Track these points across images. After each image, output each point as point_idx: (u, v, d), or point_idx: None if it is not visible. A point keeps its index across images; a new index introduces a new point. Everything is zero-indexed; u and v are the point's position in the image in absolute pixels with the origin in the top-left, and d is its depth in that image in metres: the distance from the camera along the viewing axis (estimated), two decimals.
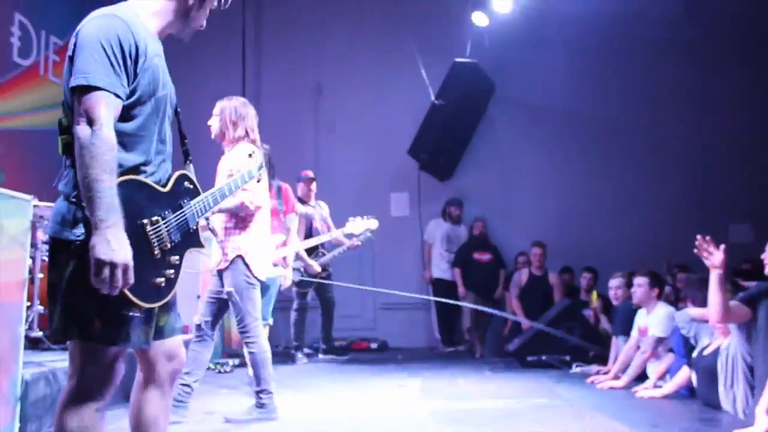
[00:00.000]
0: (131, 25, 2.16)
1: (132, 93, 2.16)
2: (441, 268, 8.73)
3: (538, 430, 3.90)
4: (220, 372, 6.56)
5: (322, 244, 7.07)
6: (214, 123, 4.53)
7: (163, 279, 2.16)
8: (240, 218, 4.29)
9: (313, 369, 7.04)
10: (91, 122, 2.02)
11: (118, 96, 2.09)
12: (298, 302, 7.45)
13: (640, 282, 5.56)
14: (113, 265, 1.97)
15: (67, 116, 2.15)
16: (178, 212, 2.27)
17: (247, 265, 4.21)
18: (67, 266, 2.08)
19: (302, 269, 6.79)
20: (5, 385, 3.57)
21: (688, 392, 4.93)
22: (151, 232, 2.14)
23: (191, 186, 2.38)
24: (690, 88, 9.12)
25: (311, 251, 6.96)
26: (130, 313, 2.08)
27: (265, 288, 5.11)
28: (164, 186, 2.25)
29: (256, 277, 4.27)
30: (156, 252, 2.15)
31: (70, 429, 2.07)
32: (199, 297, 6.61)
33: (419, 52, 8.86)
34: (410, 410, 4.62)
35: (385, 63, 9.57)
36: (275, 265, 5.37)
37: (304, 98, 9.85)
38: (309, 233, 7.18)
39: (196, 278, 6.62)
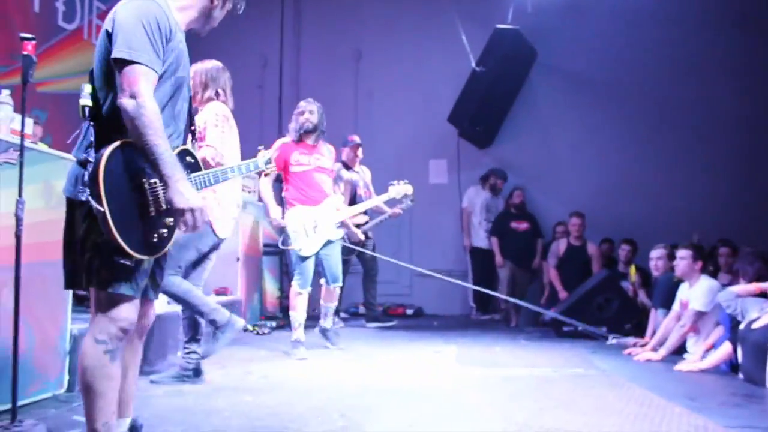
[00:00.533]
0: (164, 8, 2.44)
1: (161, 67, 2.40)
2: (479, 236, 8.74)
3: (572, 398, 3.90)
4: (258, 334, 6.68)
5: (365, 212, 7.07)
6: None
7: (156, 236, 2.39)
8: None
9: (350, 333, 7.12)
10: (134, 95, 2.27)
11: (155, 71, 2.34)
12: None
13: (683, 255, 5.48)
14: (192, 210, 2.34)
15: (92, 83, 2.40)
16: None
17: (209, 223, 4.19)
18: (83, 223, 2.33)
19: (346, 236, 6.79)
20: (55, 338, 3.71)
21: (728, 368, 4.87)
22: (149, 192, 2.35)
23: (192, 160, 2.62)
24: (738, 58, 8.89)
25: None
26: (122, 261, 2.30)
27: (327, 251, 5.60)
28: None
29: (214, 233, 4.24)
30: (151, 210, 2.36)
31: (84, 367, 2.33)
32: (238, 260, 6.73)
33: (460, 18, 8.76)
34: (446, 376, 4.66)
35: (425, 29, 9.49)
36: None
37: (344, 65, 9.83)
38: (353, 200, 7.17)
39: (236, 240, 6.72)
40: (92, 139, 2.34)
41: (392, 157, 9.41)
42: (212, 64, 4.60)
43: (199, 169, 2.64)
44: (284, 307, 8.06)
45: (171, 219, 2.42)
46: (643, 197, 8.93)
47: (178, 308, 5.28)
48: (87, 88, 2.40)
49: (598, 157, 9.22)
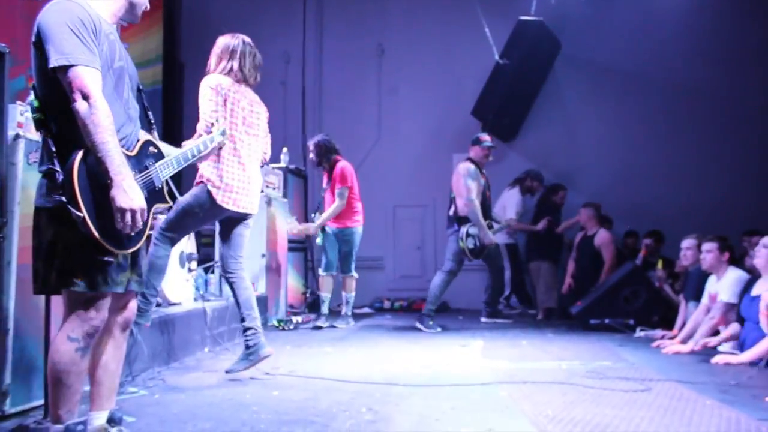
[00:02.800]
0: (84, 6, 2.46)
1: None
2: (509, 233, 8.61)
3: (601, 391, 3.87)
4: (283, 329, 6.71)
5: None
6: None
7: (133, 231, 2.46)
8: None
9: (376, 327, 7.13)
10: (86, 97, 2.32)
11: (96, 69, 2.39)
12: (452, 266, 7.10)
13: (710, 247, 5.42)
14: (132, 211, 2.38)
15: (38, 98, 2.45)
16: (144, 173, 2.61)
17: (209, 192, 4.15)
18: (49, 228, 2.43)
19: (478, 238, 6.87)
20: None
21: (766, 363, 4.77)
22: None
23: (155, 150, 2.70)
24: (767, 46, 8.75)
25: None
26: (105, 258, 2.41)
27: (349, 244, 7.01)
28: (131, 150, 2.57)
29: (218, 205, 4.16)
30: None
31: (55, 362, 2.43)
32: (264, 255, 6.76)
33: (483, 11, 8.71)
34: (473, 370, 4.65)
35: (448, 22, 9.45)
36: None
37: (367, 59, 9.83)
38: (483, 202, 7.10)
39: (261, 237, 6.75)
40: (53, 149, 2.41)
41: (416, 152, 9.41)
42: (232, 37, 4.51)
43: (162, 158, 2.72)
44: (309, 303, 8.11)
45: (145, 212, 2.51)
46: (670, 189, 8.85)
47: (203, 305, 5.35)
48: (34, 102, 2.45)
49: (623, 149, 9.14)
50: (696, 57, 8.97)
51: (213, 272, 6.07)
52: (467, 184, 6.92)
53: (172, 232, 4.24)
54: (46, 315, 3.07)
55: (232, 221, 4.39)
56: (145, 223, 2.54)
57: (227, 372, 4.28)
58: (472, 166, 7.05)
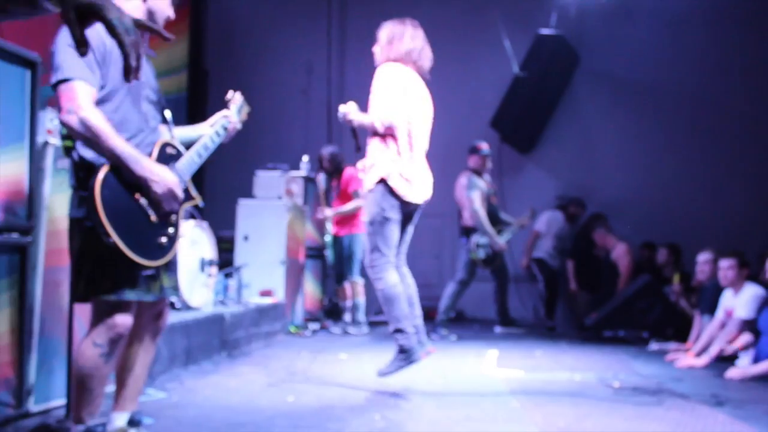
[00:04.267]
0: (94, 25, 2.42)
1: (106, 80, 2.49)
2: (545, 254, 8.53)
3: (613, 404, 3.90)
4: (300, 336, 6.78)
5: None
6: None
7: (165, 238, 2.57)
8: (382, 137, 4.09)
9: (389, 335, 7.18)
10: (74, 110, 2.36)
11: (91, 85, 2.42)
12: (464, 276, 7.15)
13: (731, 263, 5.39)
14: (170, 187, 2.51)
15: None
16: None
17: (390, 188, 3.97)
18: (78, 238, 2.51)
19: (489, 247, 6.96)
20: None
21: None
22: (145, 204, 2.51)
23: (174, 151, 2.73)
24: None
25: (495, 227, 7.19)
26: (143, 273, 2.50)
27: (354, 250, 7.06)
28: (149, 156, 2.58)
29: (404, 202, 3.99)
30: (152, 216, 2.52)
31: (80, 366, 2.51)
32: (283, 262, 6.84)
33: (503, 23, 8.76)
34: (486, 379, 4.69)
35: (468, 35, 9.50)
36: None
37: None
38: (489, 208, 7.20)
39: (280, 244, 6.84)
40: (80, 174, 2.51)
41: (434, 162, 9.38)
42: (398, 23, 4.34)
43: (181, 156, 2.75)
44: (326, 310, 8.17)
45: (174, 216, 2.61)
46: (689, 203, 8.81)
47: (222, 309, 5.44)
48: (63, 129, 2.54)
49: (641, 163, 9.13)
50: (715, 70, 8.96)
51: (232, 278, 6.16)
52: (469, 195, 7.03)
53: (381, 252, 3.99)
54: (70, 316, 3.16)
55: (408, 216, 4.21)
56: (176, 228, 2.62)
57: (380, 375, 4.08)
58: (471, 176, 7.15)
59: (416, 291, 4.24)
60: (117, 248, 2.39)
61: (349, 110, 4.20)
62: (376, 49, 4.32)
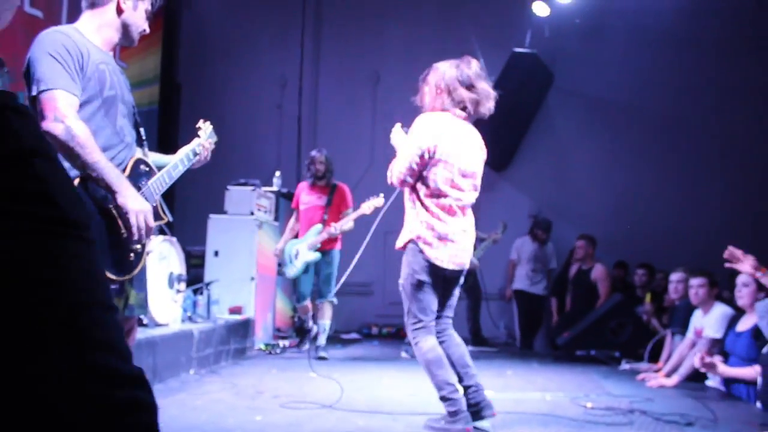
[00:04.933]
0: (71, 36, 2.47)
1: (82, 92, 2.46)
2: (525, 283, 8.60)
3: (584, 424, 3.88)
4: (270, 353, 6.69)
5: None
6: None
7: (132, 253, 2.54)
8: (419, 189, 3.72)
9: (352, 352, 7.14)
10: (59, 119, 2.31)
11: (74, 95, 2.39)
12: None
13: (701, 282, 5.42)
14: (144, 212, 2.45)
15: None
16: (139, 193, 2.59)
17: (421, 251, 3.62)
18: None
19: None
20: None
21: (746, 392, 4.79)
22: (116, 215, 2.46)
23: (147, 168, 2.72)
24: (757, 84, 8.85)
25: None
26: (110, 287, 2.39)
27: (332, 266, 6.64)
28: (123, 172, 2.56)
29: (435, 266, 3.60)
30: (123, 231, 2.47)
31: None
32: (253, 278, 6.76)
33: (477, 41, 8.80)
34: None
35: (443, 52, 9.42)
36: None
37: (362, 87, 9.90)
38: None
39: (251, 260, 6.76)
40: None
41: None
42: (451, 67, 3.95)
43: (154, 175, 2.73)
44: (296, 327, 8.08)
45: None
46: (661, 221, 8.89)
47: (190, 326, 5.35)
48: None
49: (615, 181, 9.20)
50: (688, 89, 9.06)
51: (201, 294, 6.07)
52: None
53: (416, 317, 3.63)
54: None
55: (447, 280, 3.76)
56: (142, 244, 2.57)
57: (425, 428, 3.65)
58: None
59: (466, 350, 3.83)
60: None
61: (394, 134, 4.01)
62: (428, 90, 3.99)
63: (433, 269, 3.61)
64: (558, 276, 8.71)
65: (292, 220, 6.89)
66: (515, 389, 5.08)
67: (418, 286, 3.61)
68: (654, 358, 6.24)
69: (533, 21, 8.72)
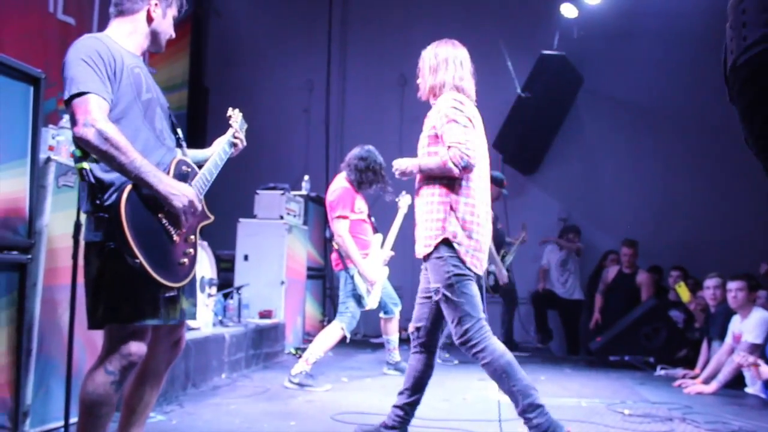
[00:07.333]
0: (105, 41, 2.51)
1: (118, 97, 2.47)
2: (559, 290, 8.58)
3: (620, 431, 3.81)
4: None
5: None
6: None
7: (186, 259, 2.54)
8: (448, 185, 3.39)
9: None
10: (90, 123, 2.32)
11: (105, 99, 2.40)
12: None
13: (740, 286, 5.33)
14: (186, 197, 2.47)
15: (79, 146, 2.43)
16: None
17: (455, 250, 3.26)
18: (96, 263, 2.43)
19: (495, 274, 6.95)
20: None
21: None
22: (167, 223, 2.49)
23: (189, 169, 2.70)
24: None
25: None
26: (167, 294, 2.45)
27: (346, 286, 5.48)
28: (167, 174, 2.54)
29: (468, 267, 3.27)
30: (175, 236, 2.50)
31: (89, 392, 2.41)
32: (283, 283, 6.75)
33: (506, 44, 8.75)
34: (490, 404, 4.59)
35: (471, 55, 9.37)
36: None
37: (389, 90, 9.87)
38: (495, 235, 6.68)
39: (281, 264, 6.76)
40: (98, 195, 2.43)
41: None
42: (444, 43, 3.81)
43: (196, 174, 2.72)
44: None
45: (193, 236, 2.60)
46: (693, 224, 8.76)
47: (221, 330, 5.34)
48: (77, 152, 2.45)
49: (645, 184, 9.08)
50: (719, 91, 8.86)
51: (232, 298, 6.07)
52: None
53: (471, 316, 3.27)
54: (70, 336, 3.07)
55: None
56: (195, 249, 2.59)
57: None
58: None
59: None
60: (142, 270, 2.33)
61: (399, 164, 3.77)
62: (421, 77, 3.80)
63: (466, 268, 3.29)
64: (590, 278, 8.60)
65: (349, 235, 5.53)
66: (550, 395, 4.99)
67: (462, 279, 3.25)
68: (690, 364, 6.14)
69: (561, 23, 8.65)
